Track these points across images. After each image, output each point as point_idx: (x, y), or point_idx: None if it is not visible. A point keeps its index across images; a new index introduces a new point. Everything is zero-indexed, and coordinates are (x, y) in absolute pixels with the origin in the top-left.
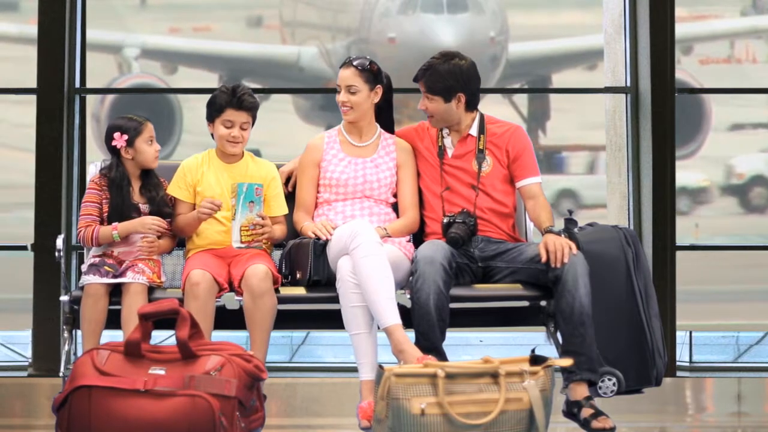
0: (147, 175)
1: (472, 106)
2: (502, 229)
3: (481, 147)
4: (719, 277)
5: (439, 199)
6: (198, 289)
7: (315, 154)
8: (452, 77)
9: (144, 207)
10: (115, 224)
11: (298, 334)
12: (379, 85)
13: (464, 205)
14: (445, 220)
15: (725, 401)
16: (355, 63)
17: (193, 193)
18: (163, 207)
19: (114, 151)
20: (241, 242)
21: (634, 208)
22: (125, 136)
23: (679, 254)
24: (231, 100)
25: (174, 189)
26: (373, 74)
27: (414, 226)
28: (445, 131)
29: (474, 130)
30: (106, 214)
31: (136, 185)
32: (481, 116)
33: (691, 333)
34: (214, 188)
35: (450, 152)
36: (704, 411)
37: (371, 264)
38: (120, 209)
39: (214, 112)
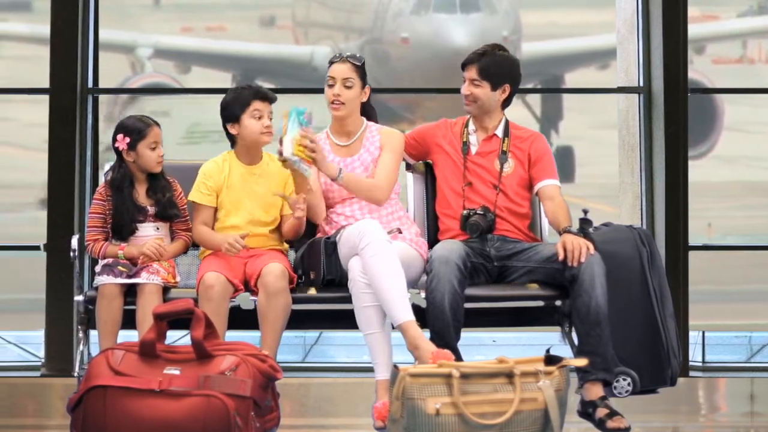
0: (154, 176)
1: (507, 102)
2: (519, 229)
3: (505, 148)
4: (732, 277)
5: (460, 194)
6: (212, 292)
7: None
8: (506, 67)
9: (150, 209)
10: (122, 245)
11: (311, 334)
12: (367, 85)
13: (484, 203)
14: (464, 213)
15: (738, 401)
16: (350, 58)
17: (216, 198)
18: (170, 209)
19: (118, 152)
20: (293, 154)
21: (647, 208)
22: (127, 139)
23: (691, 254)
24: (255, 93)
25: (196, 195)
26: (364, 72)
27: (376, 192)
28: (471, 128)
29: (500, 132)
30: (110, 225)
31: (142, 187)
32: (507, 120)
33: (703, 333)
34: (239, 192)
35: (474, 149)
36: (717, 411)
37: (381, 262)
38: (120, 212)
39: (238, 109)
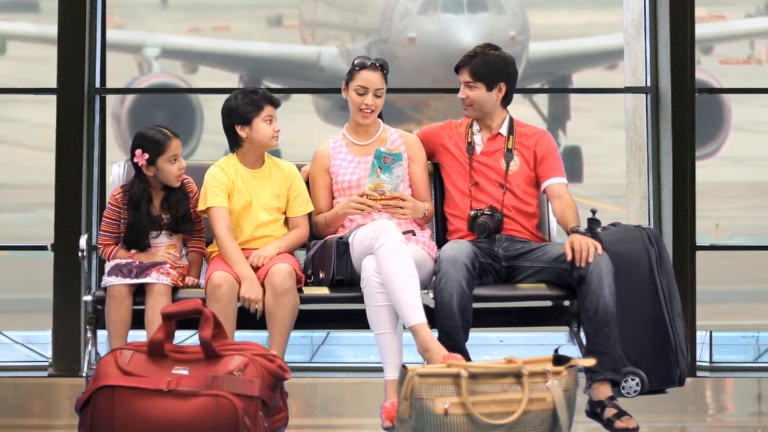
0: (171, 188)
1: (507, 101)
2: (527, 229)
3: (510, 146)
4: (739, 277)
5: (466, 195)
6: (219, 292)
7: (323, 162)
8: (497, 66)
9: (165, 218)
10: (132, 252)
11: (319, 334)
12: None
13: (491, 203)
14: (471, 213)
15: (745, 401)
16: (380, 66)
17: (228, 200)
18: (182, 224)
19: (137, 167)
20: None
21: (654, 208)
22: (146, 155)
23: (698, 254)
24: (269, 98)
25: (213, 200)
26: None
27: (431, 216)
28: (476, 128)
29: (504, 130)
30: (124, 235)
31: (158, 198)
32: (511, 118)
33: (711, 333)
34: (245, 196)
35: (479, 149)
36: (724, 411)
37: (396, 263)
38: (137, 228)
39: (252, 111)
